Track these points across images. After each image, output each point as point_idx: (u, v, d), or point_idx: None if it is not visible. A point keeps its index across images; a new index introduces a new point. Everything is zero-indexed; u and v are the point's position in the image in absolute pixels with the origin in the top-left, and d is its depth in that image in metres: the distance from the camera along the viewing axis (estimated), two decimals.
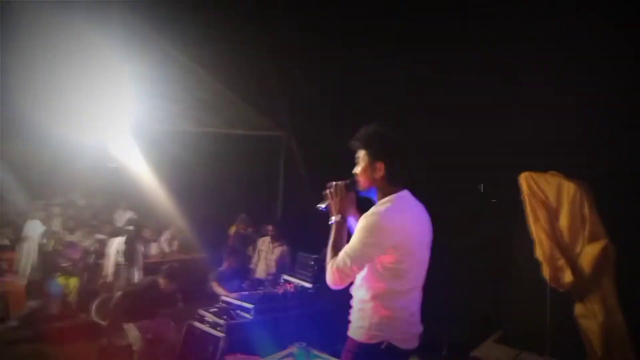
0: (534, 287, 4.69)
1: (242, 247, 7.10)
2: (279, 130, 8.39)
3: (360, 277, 2.26)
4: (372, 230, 2.15)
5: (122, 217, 8.60)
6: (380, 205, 2.25)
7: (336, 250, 2.24)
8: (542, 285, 4.54)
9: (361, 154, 2.34)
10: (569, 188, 4.40)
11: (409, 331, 2.30)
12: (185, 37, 6.33)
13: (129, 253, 6.69)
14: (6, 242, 7.57)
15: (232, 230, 7.63)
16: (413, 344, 2.33)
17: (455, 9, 5.84)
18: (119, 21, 5.80)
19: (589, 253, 4.25)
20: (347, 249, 2.19)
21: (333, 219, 2.33)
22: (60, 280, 6.64)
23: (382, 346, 2.20)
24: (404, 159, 2.35)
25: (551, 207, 4.46)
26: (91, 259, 7.23)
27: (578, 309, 4.31)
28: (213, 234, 8.01)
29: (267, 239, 6.56)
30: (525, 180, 4.59)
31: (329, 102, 8.00)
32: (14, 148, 7.82)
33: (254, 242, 7.10)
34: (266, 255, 6.37)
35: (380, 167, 2.28)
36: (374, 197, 2.37)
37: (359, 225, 2.20)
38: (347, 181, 2.37)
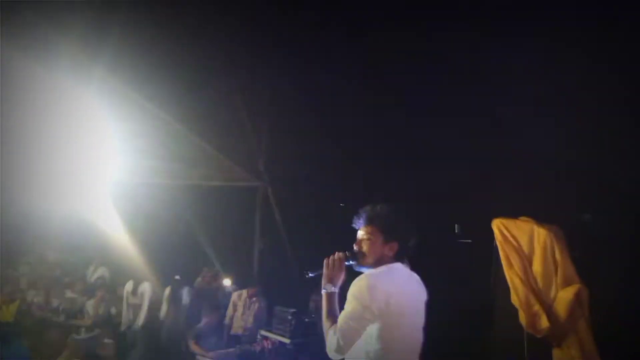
0: (512, 333, 4.68)
1: (206, 300, 6.90)
2: (255, 181, 8.41)
3: (355, 348, 2.23)
4: (364, 292, 2.19)
5: (94, 274, 8.37)
6: (372, 271, 2.34)
7: (332, 318, 2.27)
8: (520, 330, 4.55)
9: (370, 232, 2.38)
10: (539, 234, 4.47)
11: None
12: (162, 92, 6.41)
13: None
14: None
15: (196, 283, 7.50)
16: None
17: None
18: (97, 78, 5.86)
19: (563, 298, 4.29)
20: (343, 315, 2.22)
21: (327, 289, 2.36)
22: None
23: None
24: (414, 239, 2.44)
25: (524, 253, 4.52)
26: (62, 318, 6.96)
27: (556, 354, 4.31)
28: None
29: (244, 292, 6.45)
30: (497, 227, 4.67)
31: (306, 152, 8.09)
32: None
33: (219, 295, 6.99)
34: (243, 310, 6.25)
35: (394, 247, 2.37)
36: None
37: (351, 291, 2.24)
38: (347, 254, 2.40)
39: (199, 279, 7.55)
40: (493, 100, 6.13)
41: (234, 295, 6.54)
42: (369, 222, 2.40)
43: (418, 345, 2.36)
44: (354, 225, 2.47)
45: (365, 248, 2.37)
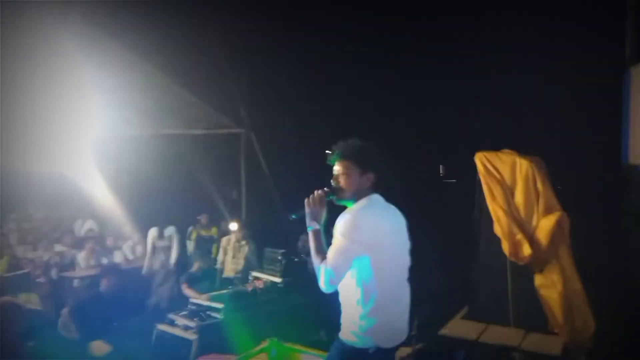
0: (495, 263, 4.85)
1: (205, 249, 7.06)
2: (238, 127, 8.34)
3: (346, 280, 2.32)
4: (350, 230, 2.25)
5: (83, 227, 8.39)
6: (355, 207, 2.38)
7: (320, 254, 2.33)
8: (503, 260, 4.71)
9: (346, 166, 2.41)
10: (521, 164, 4.55)
11: (396, 330, 2.40)
12: (143, 41, 6.23)
13: None
14: None
15: (193, 234, 7.60)
16: (400, 340, 2.42)
17: None
18: (75, 28, 5.65)
19: (544, 226, 4.41)
20: (332, 250, 2.28)
21: (313, 226, 2.40)
22: (22, 297, 6.43)
23: (370, 351, 2.30)
24: (389, 169, 2.49)
25: (506, 184, 4.61)
26: (53, 272, 7.02)
27: (538, 280, 4.47)
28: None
29: (232, 237, 6.53)
30: (479, 160, 4.73)
31: (287, 96, 8.02)
32: None
33: (214, 243, 7.11)
34: (233, 254, 6.35)
35: (370, 177, 2.41)
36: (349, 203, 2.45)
37: (338, 228, 2.30)
38: (326, 190, 2.43)
39: (192, 227, 7.65)
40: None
41: (223, 241, 6.63)
42: (344, 156, 2.42)
43: (406, 267, 2.47)
44: (328, 161, 2.49)
45: (343, 182, 2.41)
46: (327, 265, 2.26)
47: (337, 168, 2.45)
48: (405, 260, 2.47)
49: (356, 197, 2.41)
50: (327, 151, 2.49)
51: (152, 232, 7.00)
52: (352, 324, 2.34)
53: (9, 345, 3.40)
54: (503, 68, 6.08)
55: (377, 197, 2.44)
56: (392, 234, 2.38)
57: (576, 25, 5.53)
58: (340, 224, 2.30)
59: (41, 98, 6.19)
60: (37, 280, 6.17)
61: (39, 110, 6.40)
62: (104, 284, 4.85)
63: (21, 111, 6.27)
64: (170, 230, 7.05)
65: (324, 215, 2.42)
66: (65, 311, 4.82)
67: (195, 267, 5.91)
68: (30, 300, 5.25)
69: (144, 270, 6.82)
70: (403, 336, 2.44)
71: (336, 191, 2.43)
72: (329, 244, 2.34)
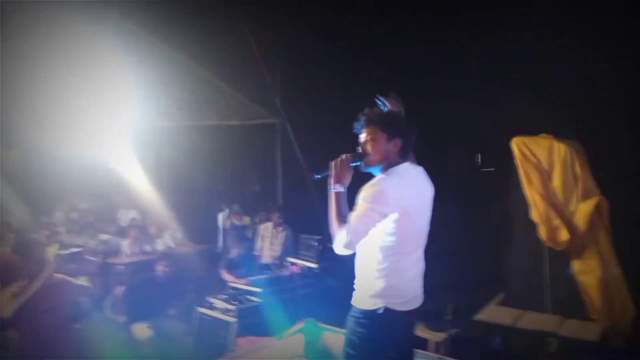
0: (532, 249, 4.80)
1: (239, 237, 7.22)
2: (273, 117, 8.46)
3: (362, 244, 2.35)
4: (375, 198, 2.27)
5: (126, 216, 8.70)
6: (381, 176, 2.39)
7: (340, 218, 2.34)
8: (540, 246, 4.66)
9: (373, 131, 2.43)
10: (560, 149, 4.49)
11: (408, 295, 2.42)
12: (180, 36, 6.40)
13: None
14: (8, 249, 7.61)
15: (227, 222, 7.79)
16: (413, 305, 2.45)
17: None
18: (113, 22, 5.86)
19: (582, 210, 4.36)
20: (355, 216, 2.30)
21: (335, 188, 2.40)
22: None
23: (380, 311, 2.34)
24: (415, 135, 2.50)
25: (543, 169, 4.56)
26: (99, 259, 7.32)
27: (576, 265, 4.42)
28: (216, 226, 8.16)
29: (269, 225, 6.66)
30: (516, 145, 4.68)
31: (321, 85, 8.06)
32: (9, 156, 7.89)
33: (249, 231, 7.28)
34: (270, 240, 6.49)
35: (397, 143, 2.42)
36: (376, 171, 2.47)
37: (362, 194, 2.31)
38: (354, 154, 2.45)
39: (225, 216, 7.85)
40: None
41: (261, 228, 6.77)
42: (370, 122, 2.44)
43: (425, 233, 2.49)
44: (355, 130, 2.51)
45: (369, 148, 2.42)
46: (347, 230, 2.28)
47: (363, 134, 2.47)
48: (425, 227, 2.49)
49: (384, 165, 2.43)
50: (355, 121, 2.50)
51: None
52: (365, 286, 2.39)
53: (60, 322, 3.61)
54: (541, 50, 5.95)
55: (405, 166, 2.44)
56: (416, 202, 2.40)
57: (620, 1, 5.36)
58: (365, 191, 2.31)
59: (83, 91, 6.42)
60: (88, 258, 6.41)
61: (79, 102, 6.64)
62: (158, 269, 5.08)
63: (65, 103, 6.51)
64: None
65: (348, 178, 2.42)
66: (118, 291, 5.06)
67: (234, 253, 6.07)
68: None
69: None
70: (416, 301, 2.46)
71: (363, 157, 2.44)
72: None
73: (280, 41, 7.84)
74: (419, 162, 2.62)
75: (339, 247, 2.32)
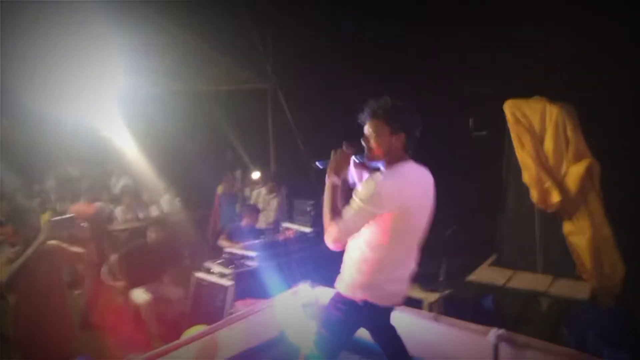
0: (524, 212, 4.87)
1: (231, 204, 7.22)
2: (264, 82, 8.37)
3: (355, 237, 2.35)
4: (369, 198, 2.23)
5: (118, 184, 8.67)
6: (383, 174, 2.34)
7: (333, 211, 2.33)
8: (531, 208, 4.72)
9: (376, 125, 2.36)
10: (552, 111, 4.49)
11: (390, 292, 2.43)
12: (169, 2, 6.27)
13: None
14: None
15: (220, 189, 7.78)
16: (395, 302, 2.48)
17: None
18: None
19: (574, 172, 4.39)
20: (348, 211, 2.28)
21: (332, 179, 2.38)
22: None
23: (361, 303, 2.36)
24: (420, 130, 2.42)
25: (535, 131, 4.57)
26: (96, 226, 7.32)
27: (567, 227, 4.49)
28: (210, 192, 8.16)
29: (262, 190, 6.68)
30: (509, 108, 4.68)
31: (312, 50, 7.98)
32: (1, 124, 7.78)
33: (241, 199, 7.30)
34: (264, 206, 6.51)
35: (401, 137, 2.35)
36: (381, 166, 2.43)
37: (359, 191, 2.28)
38: (355, 147, 2.41)
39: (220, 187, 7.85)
40: None
41: (254, 194, 6.80)
42: (374, 115, 2.36)
43: (421, 233, 2.46)
44: (359, 121, 2.44)
45: (372, 142, 2.36)
46: (338, 225, 2.26)
47: (367, 127, 2.39)
48: (421, 228, 2.45)
49: (387, 159, 2.38)
50: (359, 112, 2.44)
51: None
52: (348, 277, 2.41)
53: (57, 286, 3.65)
54: (533, 13, 5.90)
55: (409, 166, 2.37)
56: (415, 203, 2.34)
57: None
58: (363, 188, 2.28)
59: (72, 57, 6.30)
60: (81, 224, 6.42)
61: (69, 69, 6.52)
62: (150, 236, 5.09)
63: (55, 70, 6.40)
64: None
65: (346, 170, 2.41)
66: (113, 258, 5.09)
67: (245, 222, 6.05)
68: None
69: None
70: (398, 298, 2.47)
71: (365, 151, 2.39)
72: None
73: (272, 6, 7.72)
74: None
75: (329, 240, 2.31)
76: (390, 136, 2.34)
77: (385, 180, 2.27)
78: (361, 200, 2.24)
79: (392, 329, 2.66)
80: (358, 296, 2.36)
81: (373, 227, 2.30)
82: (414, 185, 2.35)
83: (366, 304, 2.36)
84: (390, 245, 2.32)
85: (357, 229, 2.28)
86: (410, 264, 2.48)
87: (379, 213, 2.25)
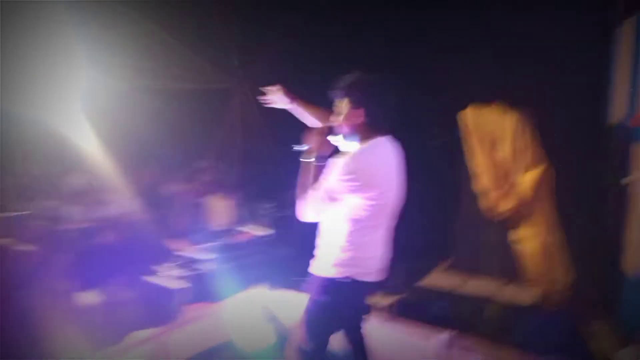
0: (479, 216, 4.91)
1: (188, 205, 7.10)
2: (233, 81, 8.28)
3: (328, 215, 2.37)
4: (346, 171, 2.22)
5: (78, 181, 8.47)
6: (353, 151, 2.32)
7: (306, 188, 2.37)
8: (484, 215, 4.77)
9: (339, 101, 2.37)
10: (507, 118, 4.54)
11: (373, 267, 2.44)
12: None
13: None
14: None
15: (178, 189, 7.64)
16: (377, 278, 2.48)
17: None
18: None
19: (529, 179, 4.44)
20: (321, 188, 2.31)
21: (306, 159, 2.42)
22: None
23: (347, 281, 2.35)
24: (385, 105, 2.38)
25: (491, 139, 4.61)
26: (47, 225, 7.13)
27: (520, 232, 4.53)
28: (168, 192, 8.03)
29: (219, 194, 6.58)
30: (464, 116, 4.71)
31: (281, 47, 7.91)
32: None
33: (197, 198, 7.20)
34: (220, 209, 6.40)
35: (360, 113, 2.33)
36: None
37: (335, 166, 2.28)
38: (326, 127, 2.44)
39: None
40: None
41: (211, 198, 6.67)
42: (339, 93, 2.37)
43: (395, 212, 2.47)
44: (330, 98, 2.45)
45: (338, 118, 2.39)
46: (314, 200, 2.31)
47: (335, 104, 2.42)
48: (395, 203, 2.45)
49: (356, 136, 2.38)
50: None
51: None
52: (328, 257, 2.39)
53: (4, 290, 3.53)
54: (493, 18, 5.94)
55: (379, 141, 2.36)
56: (388, 177, 2.36)
57: None
58: (337, 165, 2.28)
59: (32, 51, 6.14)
60: (35, 224, 6.26)
61: (29, 63, 6.36)
62: (105, 236, 4.97)
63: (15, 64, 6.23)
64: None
65: (322, 149, 2.42)
66: (64, 258, 4.96)
67: (183, 221, 5.99)
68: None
69: None
70: (380, 274, 2.48)
71: (334, 128, 2.42)
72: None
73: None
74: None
75: (303, 215, 2.37)
76: (350, 111, 2.34)
77: (359, 154, 2.28)
78: (336, 176, 2.25)
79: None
80: (342, 273, 2.35)
81: (349, 204, 2.30)
82: (385, 160, 2.36)
83: (352, 281, 2.35)
84: (367, 222, 2.32)
85: (332, 205, 2.31)
86: (387, 240, 2.50)
87: (355, 187, 2.24)
